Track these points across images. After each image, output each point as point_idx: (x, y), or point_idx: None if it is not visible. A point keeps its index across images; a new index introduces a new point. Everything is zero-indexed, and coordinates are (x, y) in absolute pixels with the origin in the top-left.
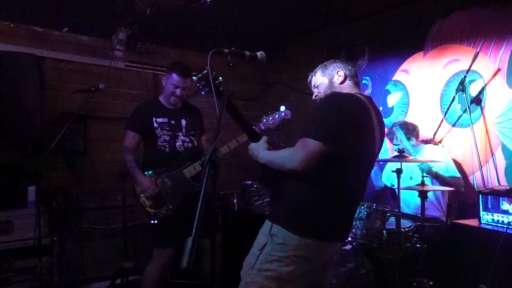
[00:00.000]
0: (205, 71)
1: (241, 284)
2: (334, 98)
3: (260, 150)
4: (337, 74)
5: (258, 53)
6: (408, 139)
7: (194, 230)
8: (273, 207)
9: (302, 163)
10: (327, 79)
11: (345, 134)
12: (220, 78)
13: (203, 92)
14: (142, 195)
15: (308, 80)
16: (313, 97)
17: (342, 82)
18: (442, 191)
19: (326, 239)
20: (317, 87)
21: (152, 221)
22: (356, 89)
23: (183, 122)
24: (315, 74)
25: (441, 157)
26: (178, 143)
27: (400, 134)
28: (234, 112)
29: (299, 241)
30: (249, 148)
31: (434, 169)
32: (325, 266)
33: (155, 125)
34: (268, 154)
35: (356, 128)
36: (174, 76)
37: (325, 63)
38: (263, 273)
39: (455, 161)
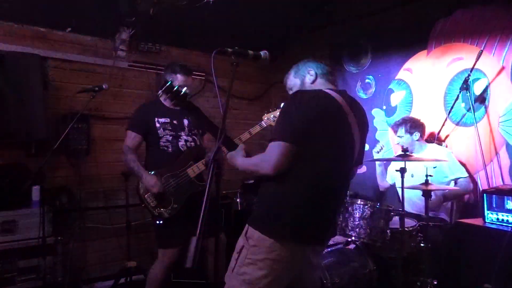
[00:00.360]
0: (168, 84)
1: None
2: (296, 97)
3: (237, 158)
4: (309, 73)
5: (262, 52)
6: (412, 133)
7: (198, 230)
8: (252, 210)
9: (273, 167)
10: (299, 80)
11: (311, 131)
12: (185, 89)
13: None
14: (146, 195)
15: (284, 81)
16: (288, 89)
17: (313, 82)
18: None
19: (300, 242)
20: (291, 89)
21: (158, 222)
22: (328, 86)
23: (185, 121)
24: (288, 76)
25: (444, 158)
26: (181, 143)
27: (400, 131)
28: (207, 122)
29: (272, 243)
30: (227, 157)
31: (435, 179)
32: (304, 269)
33: (157, 125)
34: (243, 162)
35: (324, 123)
36: (179, 76)
37: (298, 64)
38: (240, 277)
39: (460, 162)
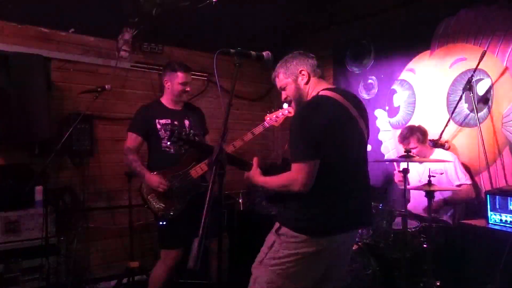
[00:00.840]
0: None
1: (251, 278)
2: (304, 114)
3: (256, 177)
4: (301, 74)
5: (264, 53)
6: (424, 141)
7: (201, 231)
8: (280, 211)
9: (304, 186)
10: (291, 80)
11: (328, 141)
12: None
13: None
14: (149, 196)
15: (272, 77)
16: (282, 99)
17: (307, 82)
18: (448, 194)
19: (329, 234)
20: (283, 89)
21: (161, 223)
22: (322, 85)
23: (186, 122)
24: (278, 75)
25: (449, 160)
26: None
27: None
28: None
29: (304, 239)
30: (245, 178)
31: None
32: (336, 257)
33: (158, 126)
34: (267, 181)
35: (336, 131)
36: (180, 74)
37: (285, 59)
38: (270, 268)
39: (463, 164)
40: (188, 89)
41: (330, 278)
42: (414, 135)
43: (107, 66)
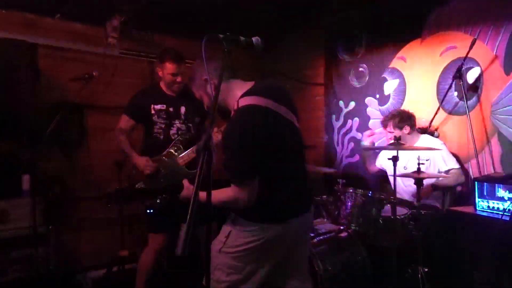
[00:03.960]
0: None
1: (211, 267)
2: (236, 135)
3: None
4: (206, 82)
5: (254, 39)
6: (401, 128)
7: (188, 218)
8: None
9: (249, 202)
10: (203, 92)
11: (265, 154)
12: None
13: None
14: (137, 185)
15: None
16: (206, 108)
17: (223, 89)
18: (437, 179)
19: (279, 221)
20: (202, 99)
21: (148, 211)
22: (237, 88)
23: (182, 109)
24: (192, 90)
25: (437, 148)
26: (172, 131)
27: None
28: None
29: (258, 227)
30: (181, 199)
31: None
32: (291, 241)
33: (152, 111)
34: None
35: (271, 141)
36: (168, 65)
37: (192, 69)
38: (230, 255)
39: (452, 152)
40: (178, 79)
41: (293, 258)
42: (391, 120)
43: (95, 53)
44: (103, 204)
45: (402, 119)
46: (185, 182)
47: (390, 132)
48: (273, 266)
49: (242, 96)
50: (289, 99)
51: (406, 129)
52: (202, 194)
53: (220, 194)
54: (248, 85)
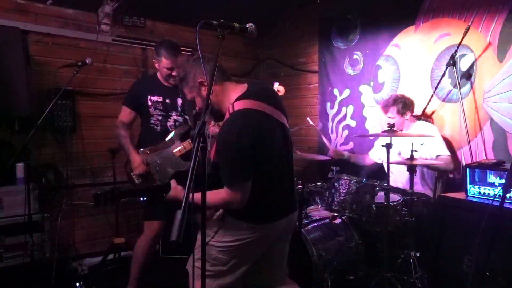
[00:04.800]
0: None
1: (195, 256)
2: (231, 139)
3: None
4: (201, 84)
5: (248, 25)
6: (403, 114)
7: (183, 203)
8: None
9: (241, 204)
10: (196, 93)
11: (258, 158)
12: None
13: None
14: (132, 173)
15: (181, 88)
16: (197, 109)
17: (218, 92)
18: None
19: (267, 222)
20: (194, 101)
21: (141, 199)
22: (231, 90)
23: (179, 101)
24: (184, 90)
25: (432, 134)
26: (170, 123)
27: (392, 112)
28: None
29: (246, 226)
30: (168, 199)
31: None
32: (275, 240)
33: (149, 103)
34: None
35: (265, 145)
36: (164, 60)
37: (184, 71)
38: (216, 249)
39: (445, 138)
40: (174, 73)
41: (273, 254)
42: (394, 105)
43: (87, 40)
44: (94, 204)
45: (405, 105)
46: (173, 182)
47: (391, 118)
48: (255, 262)
49: (237, 99)
50: (280, 101)
51: (407, 115)
52: (196, 195)
53: (213, 196)
54: (241, 87)
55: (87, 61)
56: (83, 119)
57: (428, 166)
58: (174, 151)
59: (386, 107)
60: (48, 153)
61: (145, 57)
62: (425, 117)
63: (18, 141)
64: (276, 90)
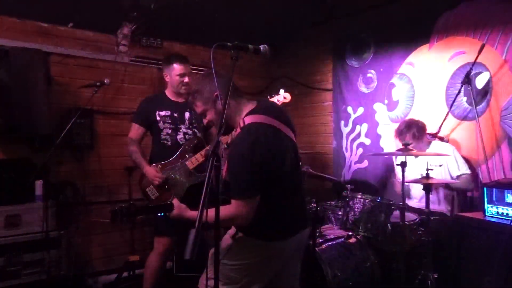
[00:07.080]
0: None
1: (208, 273)
2: (243, 152)
3: (187, 213)
4: (217, 97)
5: (261, 46)
6: (420, 138)
7: (197, 222)
8: None
9: (247, 220)
10: (210, 106)
11: (269, 173)
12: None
13: None
14: (147, 189)
15: (189, 103)
16: (205, 123)
17: (233, 107)
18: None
19: (279, 239)
20: (204, 116)
21: (159, 214)
22: (243, 105)
23: (187, 114)
24: (195, 103)
25: (448, 153)
26: (179, 136)
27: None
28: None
29: (259, 243)
30: (172, 218)
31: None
32: (288, 257)
33: (158, 118)
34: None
35: (275, 160)
36: (176, 66)
37: (198, 84)
38: (228, 267)
39: (464, 157)
40: (186, 80)
41: (286, 273)
42: (410, 131)
43: (106, 60)
44: (110, 221)
45: (420, 128)
46: (175, 201)
47: (406, 144)
48: (269, 281)
49: (248, 114)
50: (288, 117)
51: (423, 138)
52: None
53: (220, 211)
54: (252, 104)
55: (105, 81)
56: (101, 137)
57: (447, 186)
58: (187, 163)
59: (401, 134)
60: (66, 171)
61: (161, 76)
62: (439, 139)
63: (38, 159)
64: (282, 97)
